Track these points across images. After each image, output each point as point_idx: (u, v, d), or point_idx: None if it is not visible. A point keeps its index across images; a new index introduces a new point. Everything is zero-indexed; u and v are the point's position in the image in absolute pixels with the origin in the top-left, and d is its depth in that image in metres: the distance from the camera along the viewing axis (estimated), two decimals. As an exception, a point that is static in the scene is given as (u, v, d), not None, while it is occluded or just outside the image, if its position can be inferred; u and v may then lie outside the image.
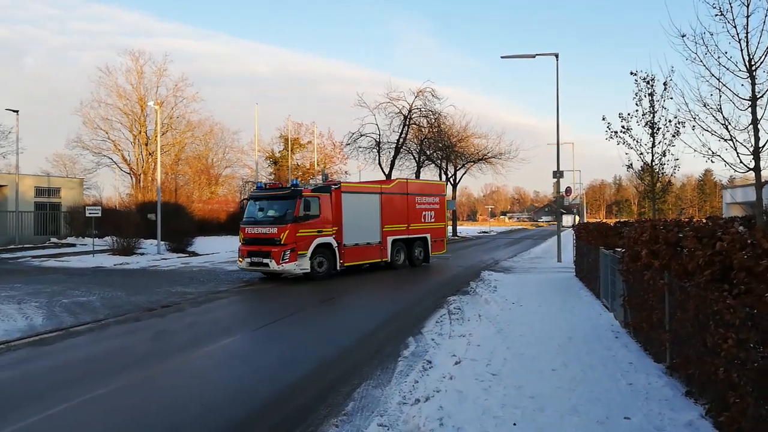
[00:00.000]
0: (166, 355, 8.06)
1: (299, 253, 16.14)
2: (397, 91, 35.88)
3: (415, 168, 40.11)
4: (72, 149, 43.78)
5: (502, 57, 24.85)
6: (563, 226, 26.70)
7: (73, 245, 29.58)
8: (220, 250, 28.18)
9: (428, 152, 39.99)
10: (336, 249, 17.21)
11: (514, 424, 5.00)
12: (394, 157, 35.50)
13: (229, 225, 40.96)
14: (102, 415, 5.65)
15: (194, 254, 26.60)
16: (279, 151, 57.98)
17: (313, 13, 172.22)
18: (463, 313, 10.71)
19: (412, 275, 18.98)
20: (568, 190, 28.81)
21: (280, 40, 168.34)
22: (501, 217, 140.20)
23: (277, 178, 56.96)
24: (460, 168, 47.18)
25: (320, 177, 35.60)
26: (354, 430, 5.11)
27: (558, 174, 23.90)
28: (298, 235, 16.14)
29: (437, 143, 38.90)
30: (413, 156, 39.51)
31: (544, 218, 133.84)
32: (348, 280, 16.99)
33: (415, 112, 34.75)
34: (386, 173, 34.97)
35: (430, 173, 44.96)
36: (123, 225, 26.24)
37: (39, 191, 33.98)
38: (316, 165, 52.13)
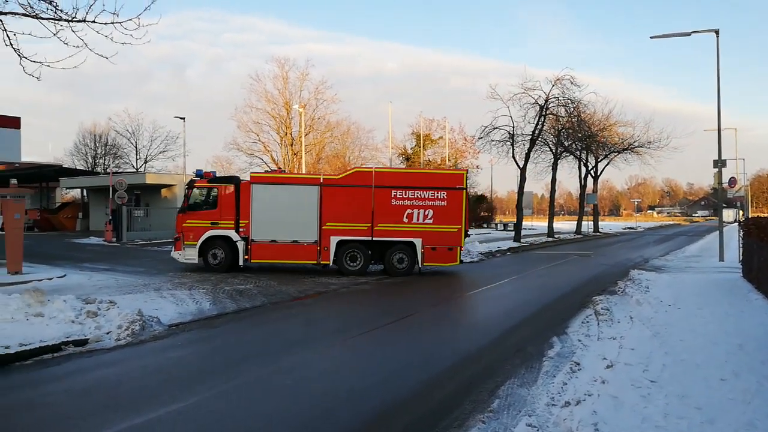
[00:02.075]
0: (317, 341, 8.57)
1: (186, 243, 16.31)
2: (533, 80, 34.23)
3: (552, 160, 38.43)
4: (228, 151, 48.28)
5: (651, 37, 22.86)
6: (725, 222, 23.89)
7: (230, 238, 32.65)
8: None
9: (566, 143, 38.06)
10: (238, 244, 16.26)
11: (680, 436, 4.60)
12: (530, 150, 34.14)
13: (365, 220, 42.57)
14: (267, 392, 6.17)
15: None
16: (411, 148, 58.88)
17: (441, 9, 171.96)
18: (611, 314, 10.08)
19: (549, 272, 18.28)
20: (732, 181, 25.69)
21: (409, 38, 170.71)
22: (648, 211, 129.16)
23: (410, 174, 57.92)
24: (602, 159, 44.30)
25: (453, 172, 35.58)
26: (501, 428, 5.05)
27: (720, 163, 21.45)
28: (184, 225, 16.41)
29: (576, 133, 36.83)
30: (549, 147, 37.81)
31: (700, 213, 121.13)
32: (486, 273, 16.80)
33: (552, 102, 33.12)
34: (520, 166, 33.87)
35: (568, 165, 42.80)
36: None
37: (202, 190, 38.02)
38: (447, 160, 52.17)
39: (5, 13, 9.33)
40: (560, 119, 35.14)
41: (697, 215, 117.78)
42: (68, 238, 31.48)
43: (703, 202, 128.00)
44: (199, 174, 17.23)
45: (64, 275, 14.93)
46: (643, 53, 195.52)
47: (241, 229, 16.33)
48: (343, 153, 53.53)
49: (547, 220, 40.40)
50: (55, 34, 9.69)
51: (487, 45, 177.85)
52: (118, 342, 8.16)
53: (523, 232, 33.59)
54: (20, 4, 9.41)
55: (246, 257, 16.33)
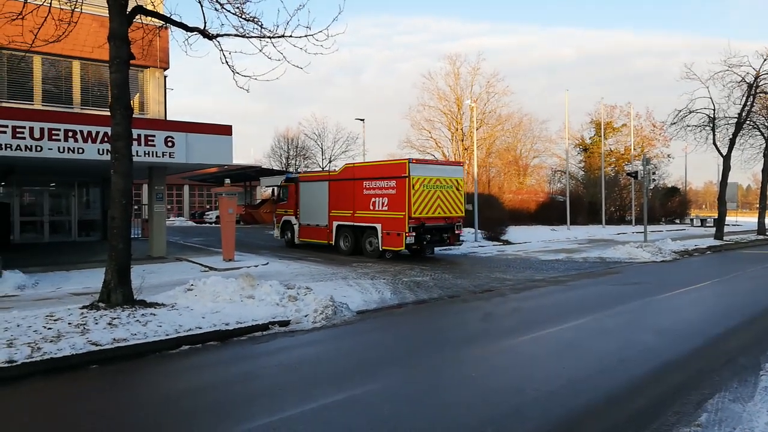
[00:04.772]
0: (497, 338, 8.54)
1: (276, 225, 23.47)
2: (738, 55, 29.77)
3: (763, 146, 33.12)
4: (402, 149, 50.13)
5: None
6: None
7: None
8: (531, 239, 28.49)
9: (782, 125, 32.57)
10: (295, 226, 22.06)
11: None
12: (735, 134, 29.75)
13: (539, 215, 41.04)
14: (451, 382, 6.34)
15: (508, 243, 27.48)
16: (590, 138, 55.34)
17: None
18: None
19: (761, 275, 15.88)
20: None
21: (584, 21, 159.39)
22: None
23: (588, 166, 54.44)
24: (831, 142, 37.01)
25: (638, 162, 32.48)
26: (712, 444, 4.56)
27: None
28: (276, 212, 23.79)
29: (796, 113, 31.32)
30: (761, 131, 32.62)
31: None
32: (682, 274, 15.17)
33: (764, 78, 28.52)
34: (723, 154, 29.76)
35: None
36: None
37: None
38: (632, 149, 47.94)
39: (222, 35, 10.79)
40: (775, 97, 30.18)
41: None
42: (268, 230, 35.34)
43: None
44: (288, 175, 23.63)
45: (267, 263, 16.89)
46: None
47: (298, 216, 21.96)
48: (514, 146, 52.26)
49: (756, 215, 35.06)
50: (260, 50, 10.99)
51: (679, 20, 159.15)
52: (314, 324, 8.99)
53: (726, 229, 29.60)
54: (233, 26, 10.87)
55: (298, 237, 21.90)
